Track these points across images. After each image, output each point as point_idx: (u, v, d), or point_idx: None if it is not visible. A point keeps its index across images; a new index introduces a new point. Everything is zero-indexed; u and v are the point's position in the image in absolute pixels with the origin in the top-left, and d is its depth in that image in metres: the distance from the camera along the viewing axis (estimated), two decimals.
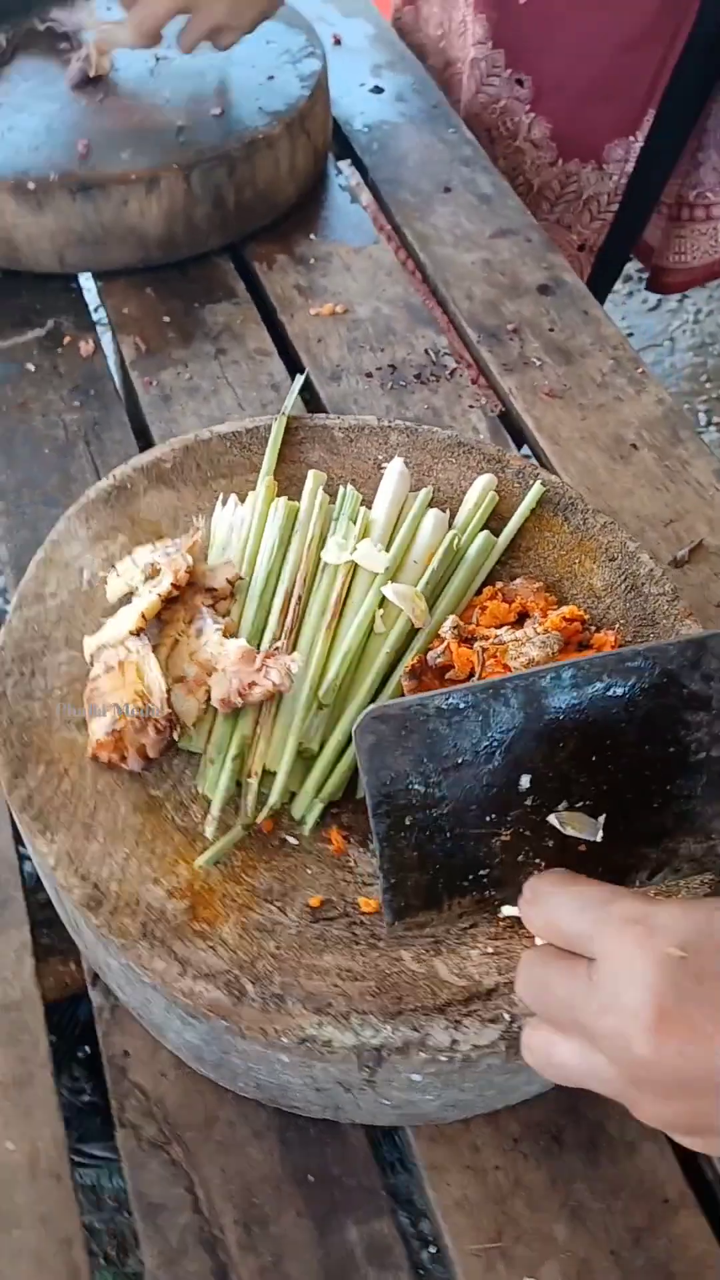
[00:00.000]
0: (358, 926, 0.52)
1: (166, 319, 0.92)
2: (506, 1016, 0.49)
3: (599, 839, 0.47)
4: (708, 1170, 0.55)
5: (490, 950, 0.51)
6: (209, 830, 0.54)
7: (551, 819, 0.47)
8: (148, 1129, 0.55)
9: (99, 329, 0.93)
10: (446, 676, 0.60)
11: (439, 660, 0.60)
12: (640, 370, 0.89)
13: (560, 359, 0.90)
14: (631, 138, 1.11)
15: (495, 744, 0.46)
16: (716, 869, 0.49)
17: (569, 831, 0.47)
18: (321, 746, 0.57)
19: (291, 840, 0.55)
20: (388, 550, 0.64)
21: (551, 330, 0.92)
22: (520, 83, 1.12)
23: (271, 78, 0.99)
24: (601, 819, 0.47)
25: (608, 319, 0.93)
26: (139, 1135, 0.54)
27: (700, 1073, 0.35)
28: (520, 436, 0.87)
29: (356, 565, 0.63)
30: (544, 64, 1.10)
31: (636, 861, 0.48)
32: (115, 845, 0.54)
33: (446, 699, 0.45)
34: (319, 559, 0.64)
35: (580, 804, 0.47)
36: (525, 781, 0.46)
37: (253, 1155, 0.54)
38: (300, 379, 0.77)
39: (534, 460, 0.81)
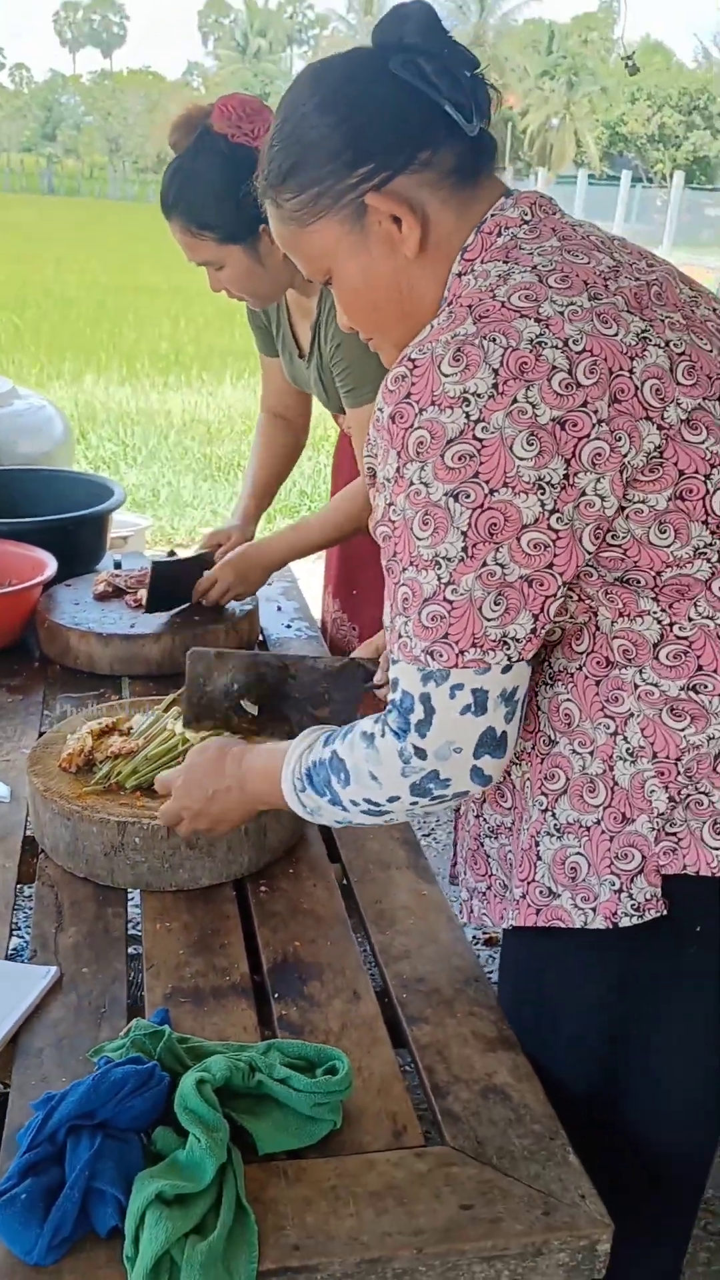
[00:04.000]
0: (135, 810, 1.47)
1: (154, 693, 2.03)
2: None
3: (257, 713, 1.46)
4: (252, 915, 1.42)
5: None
6: (94, 780, 1.53)
7: (244, 703, 1.46)
8: (47, 881, 1.46)
9: (124, 691, 2.04)
10: None
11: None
12: None
13: None
14: None
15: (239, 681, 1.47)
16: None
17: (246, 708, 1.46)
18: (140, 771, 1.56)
19: (124, 791, 1.52)
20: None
21: None
22: (354, 628, 2.31)
23: (229, 608, 2.20)
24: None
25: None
26: (43, 882, 1.46)
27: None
28: None
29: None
30: (364, 619, 2.30)
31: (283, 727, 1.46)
32: (57, 783, 1.52)
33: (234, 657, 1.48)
34: (164, 728, 1.67)
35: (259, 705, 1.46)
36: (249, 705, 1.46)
37: (82, 890, 1.45)
38: (182, 689, 1.85)
39: None
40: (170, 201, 1.88)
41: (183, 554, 2.33)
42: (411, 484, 1.00)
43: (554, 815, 1.13)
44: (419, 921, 1.43)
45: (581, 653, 1.11)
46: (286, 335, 2.21)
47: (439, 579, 1.00)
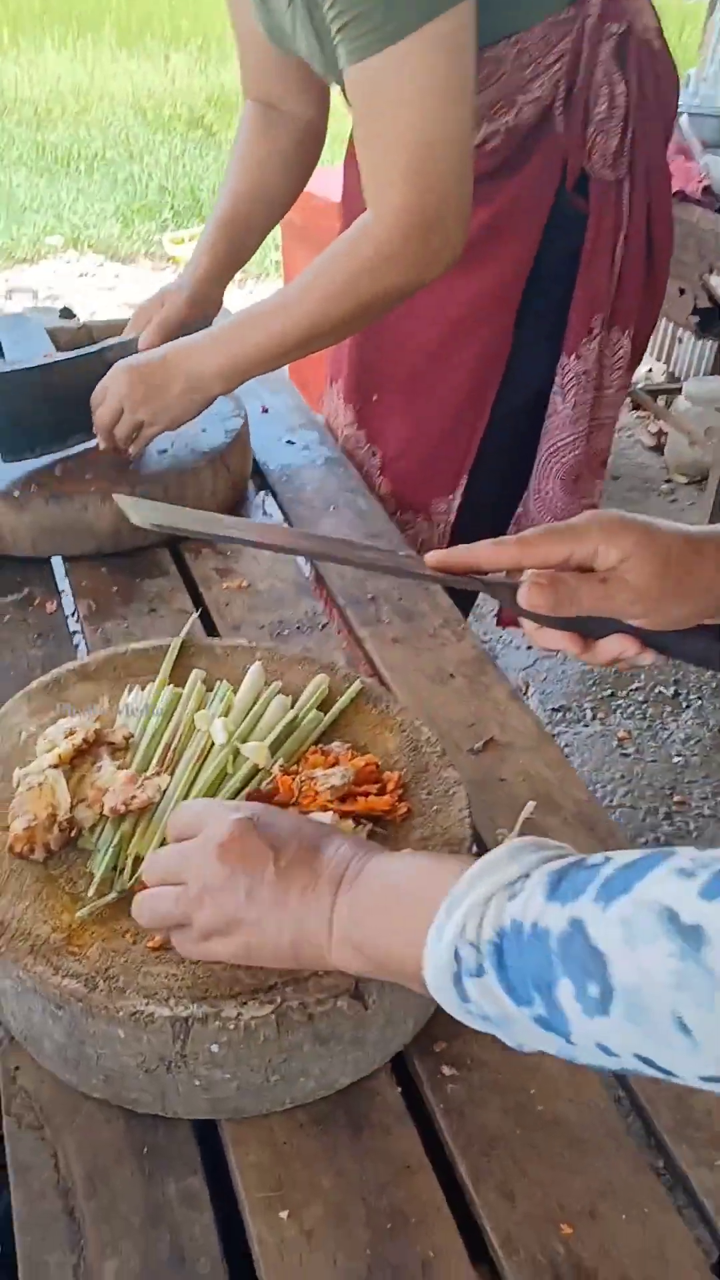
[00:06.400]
0: (185, 962, 0.73)
1: (115, 589, 1.23)
2: (279, 999, 0.69)
3: None
4: (447, 1145, 0.73)
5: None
6: (91, 891, 0.77)
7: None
8: (27, 1116, 0.73)
9: (62, 594, 1.23)
10: (274, 799, 0.84)
11: (269, 788, 0.84)
12: (462, 626, 1.18)
13: (404, 618, 1.20)
14: (451, 496, 1.47)
15: None
16: None
17: None
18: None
19: None
20: (243, 719, 0.90)
21: (400, 599, 1.22)
22: (374, 454, 1.50)
23: (204, 430, 1.36)
24: None
25: (443, 592, 1.23)
26: (20, 1121, 0.73)
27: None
28: (371, 668, 1.15)
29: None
30: (388, 441, 1.49)
31: None
32: (18, 902, 0.76)
33: None
34: (193, 724, 0.90)
35: None
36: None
37: (101, 1134, 0.72)
38: (195, 616, 1.06)
39: (357, 671, 1.08)
40: None
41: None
42: None
43: None
44: None
45: None
46: None
47: None
